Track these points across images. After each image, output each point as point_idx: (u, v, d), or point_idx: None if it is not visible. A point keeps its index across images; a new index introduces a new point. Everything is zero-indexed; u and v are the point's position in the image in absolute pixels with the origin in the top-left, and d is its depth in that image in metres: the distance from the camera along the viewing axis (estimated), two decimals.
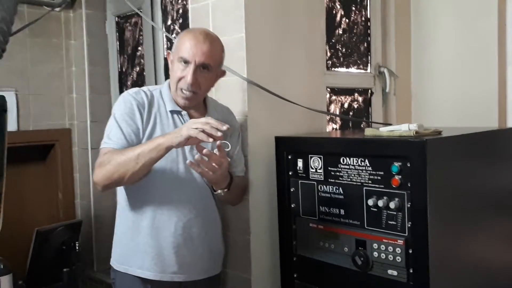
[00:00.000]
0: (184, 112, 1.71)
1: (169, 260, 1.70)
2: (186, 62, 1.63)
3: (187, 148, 1.69)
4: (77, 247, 2.73)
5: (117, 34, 3.12)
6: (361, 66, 2.71)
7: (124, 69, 3.11)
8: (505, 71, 2.51)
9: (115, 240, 1.79)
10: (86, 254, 3.01)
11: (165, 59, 2.74)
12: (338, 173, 1.69)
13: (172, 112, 1.71)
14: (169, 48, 2.69)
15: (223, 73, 1.77)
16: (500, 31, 2.48)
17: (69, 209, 3.17)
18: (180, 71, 1.64)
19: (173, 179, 1.68)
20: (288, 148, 1.84)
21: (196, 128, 1.46)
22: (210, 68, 1.66)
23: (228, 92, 1.99)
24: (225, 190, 1.71)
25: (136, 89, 1.73)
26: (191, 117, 1.72)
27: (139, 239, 1.70)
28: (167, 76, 2.74)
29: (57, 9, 3.04)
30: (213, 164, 1.57)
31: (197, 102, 1.74)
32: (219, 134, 1.46)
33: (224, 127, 1.46)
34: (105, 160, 1.59)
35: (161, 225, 1.69)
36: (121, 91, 3.12)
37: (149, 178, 1.65)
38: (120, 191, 1.76)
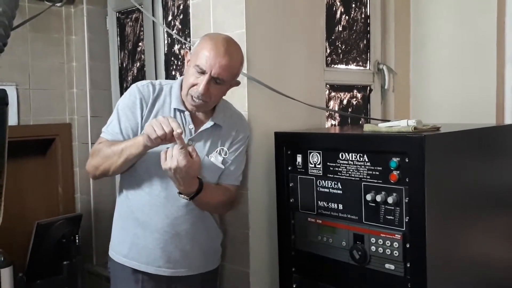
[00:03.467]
0: (187, 113, 1.71)
1: (155, 254, 1.72)
2: (201, 70, 1.60)
3: None
4: (77, 241, 2.75)
5: (118, 29, 3.13)
6: (360, 63, 2.72)
7: (124, 65, 3.12)
8: (503, 68, 2.52)
9: (112, 225, 1.84)
10: (85, 248, 3.03)
11: (166, 55, 2.75)
12: (336, 169, 1.70)
13: (175, 110, 1.71)
14: (170, 43, 2.70)
15: (237, 83, 1.74)
16: (499, 29, 2.50)
17: (69, 203, 3.18)
18: (194, 78, 1.61)
19: (161, 177, 1.67)
20: (288, 144, 1.85)
21: (154, 131, 1.49)
22: (224, 82, 1.63)
23: None
24: (187, 198, 1.65)
25: (146, 81, 1.74)
26: (194, 117, 1.73)
27: (128, 230, 1.74)
28: (167, 71, 2.75)
29: (58, 4, 3.04)
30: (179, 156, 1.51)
31: (205, 110, 1.72)
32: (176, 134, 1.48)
33: (179, 130, 1.48)
34: (96, 151, 1.67)
35: (149, 220, 1.70)
36: (121, 86, 3.13)
37: (144, 172, 1.68)
38: (119, 182, 1.80)
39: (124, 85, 3.11)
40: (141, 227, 1.72)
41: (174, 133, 1.48)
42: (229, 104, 1.85)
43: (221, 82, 1.62)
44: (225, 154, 1.75)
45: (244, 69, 1.93)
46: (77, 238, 2.75)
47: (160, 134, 1.48)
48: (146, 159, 1.65)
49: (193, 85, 1.62)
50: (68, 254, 2.70)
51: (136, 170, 1.69)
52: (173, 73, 2.73)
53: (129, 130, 1.68)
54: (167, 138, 1.49)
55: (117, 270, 1.79)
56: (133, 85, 1.73)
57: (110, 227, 1.85)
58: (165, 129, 1.48)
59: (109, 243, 1.84)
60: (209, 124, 1.72)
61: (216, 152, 1.74)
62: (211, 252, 1.87)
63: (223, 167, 1.74)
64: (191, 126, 1.71)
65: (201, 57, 1.60)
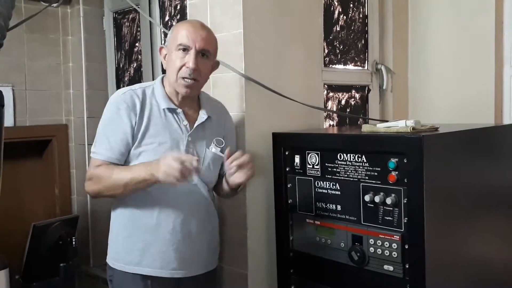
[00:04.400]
0: (179, 110, 1.69)
1: (169, 257, 1.69)
2: (185, 49, 1.62)
3: (182, 148, 1.67)
4: (73, 242, 2.73)
5: (115, 30, 3.11)
6: (358, 63, 2.71)
7: (121, 65, 3.11)
8: (501, 68, 2.52)
9: (111, 238, 1.77)
10: (82, 249, 3.01)
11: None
12: (335, 169, 1.69)
13: (166, 110, 1.68)
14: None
15: (217, 65, 1.76)
16: (497, 29, 2.50)
17: (66, 204, 3.16)
18: (180, 59, 1.62)
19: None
20: (286, 144, 1.84)
21: (174, 177, 1.47)
22: (209, 55, 1.66)
23: (226, 88, 1.99)
24: (235, 190, 1.75)
25: (126, 89, 1.69)
26: (185, 115, 1.71)
27: (136, 237, 1.69)
28: (164, 72, 2.73)
29: (55, 4, 3.03)
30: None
31: (197, 92, 1.73)
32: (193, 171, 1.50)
33: (195, 162, 1.48)
34: (95, 177, 1.63)
35: (160, 222, 1.68)
36: (118, 87, 3.11)
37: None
38: None
39: (121, 85, 3.09)
40: (150, 232, 1.68)
41: (194, 165, 1.48)
42: (207, 94, 1.86)
43: (206, 54, 1.65)
44: (221, 144, 1.74)
45: (242, 70, 1.93)
46: (73, 239, 2.74)
47: (180, 177, 1.47)
48: None
49: (181, 67, 1.63)
50: (65, 256, 2.69)
51: None
52: None
53: (119, 142, 1.63)
54: (186, 174, 1.49)
55: (124, 281, 1.72)
56: (114, 95, 1.69)
57: (107, 229, 1.81)
58: (180, 168, 1.47)
59: (105, 245, 1.81)
60: (203, 117, 1.72)
61: (213, 143, 1.74)
62: (215, 249, 1.86)
63: (223, 155, 1.73)
64: (185, 122, 1.70)
65: (181, 37, 1.63)
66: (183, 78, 1.63)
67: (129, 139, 1.64)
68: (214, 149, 1.72)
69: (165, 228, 1.68)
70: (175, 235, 1.69)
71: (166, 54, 1.70)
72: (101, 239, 2.99)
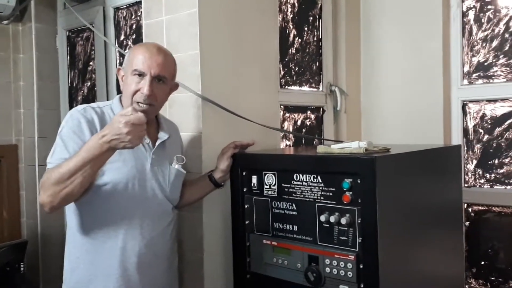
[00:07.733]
0: None
1: (134, 281, 1.64)
2: (140, 74, 1.60)
3: (147, 166, 1.66)
4: (22, 268, 2.62)
5: (68, 48, 3.05)
6: (313, 85, 2.77)
7: (74, 84, 3.04)
8: (449, 91, 2.63)
9: (68, 267, 1.68)
10: (32, 275, 2.88)
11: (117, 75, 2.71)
12: (291, 190, 1.70)
13: None
14: (121, 64, 2.66)
15: (176, 86, 1.75)
16: (444, 53, 2.61)
17: (14, 228, 3.03)
18: (135, 84, 1.60)
19: (134, 197, 1.63)
20: (243, 165, 1.84)
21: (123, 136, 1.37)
22: (165, 80, 1.64)
23: (183, 108, 1.98)
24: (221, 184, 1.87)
25: (84, 106, 1.66)
26: (147, 132, 1.68)
27: (100, 262, 1.62)
28: (119, 91, 2.69)
29: (5, 22, 2.94)
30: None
31: (153, 115, 1.71)
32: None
33: (141, 116, 1.40)
34: (46, 181, 1.47)
35: (125, 246, 1.62)
36: (71, 106, 3.04)
37: (109, 198, 1.59)
38: (72, 215, 1.65)
39: (74, 104, 3.02)
40: (115, 256, 1.62)
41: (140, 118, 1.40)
42: (162, 114, 1.83)
43: (162, 79, 1.63)
44: (182, 161, 1.77)
45: (199, 90, 1.93)
46: (22, 265, 2.62)
47: (132, 136, 1.38)
48: (109, 188, 1.58)
49: (136, 92, 1.60)
50: (12, 283, 2.57)
51: (98, 197, 1.59)
52: None
53: None
54: (137, 132, 1.40)
55: None
56: (72, 111, 1.64)
57: (59, 253, 1.75)
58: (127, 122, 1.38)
59: (57, 270, 1.74)
60: (165, 136, 1.73)
61: (175, 160, 1.75)
62: (175, 271, 1.84)
63: (185, 172, 1.77)
64: (148, 140, 1.69)
65: (137, 62, 1.61)
66: (138, 103, 1.60)
67: None
68: (177, 165, 1.75)
69: (132, 251, 1.63)
70: (141, 258, 1.64)
71: (123, 76, 1.69)
72: (51, 265, 2.88)
